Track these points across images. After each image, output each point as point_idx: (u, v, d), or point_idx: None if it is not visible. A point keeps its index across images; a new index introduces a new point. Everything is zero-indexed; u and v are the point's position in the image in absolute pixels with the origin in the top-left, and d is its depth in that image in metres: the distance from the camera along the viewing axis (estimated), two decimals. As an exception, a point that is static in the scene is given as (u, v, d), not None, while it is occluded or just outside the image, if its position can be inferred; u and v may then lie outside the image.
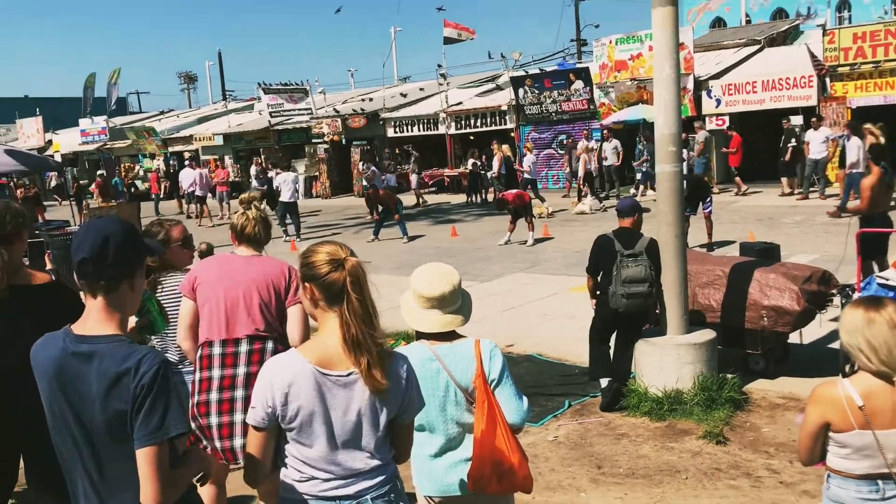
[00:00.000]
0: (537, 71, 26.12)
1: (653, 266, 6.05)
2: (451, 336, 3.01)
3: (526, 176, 20.77)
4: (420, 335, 3.04)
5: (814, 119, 18.97)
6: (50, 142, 44.10)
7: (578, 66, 25.61)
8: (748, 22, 38.48)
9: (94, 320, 2.32)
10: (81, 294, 2.49)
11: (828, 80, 20.25)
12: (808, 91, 20.26)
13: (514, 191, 15.72)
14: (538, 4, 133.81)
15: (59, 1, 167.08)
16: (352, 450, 2.44)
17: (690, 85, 21.69)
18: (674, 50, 5.94)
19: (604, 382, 6.30)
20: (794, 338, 7.18)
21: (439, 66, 28.88)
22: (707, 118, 21.80)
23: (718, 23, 48.07)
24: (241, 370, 3.71)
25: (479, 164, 23.32)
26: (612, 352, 6.50)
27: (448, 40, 27.83)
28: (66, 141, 43.44)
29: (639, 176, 20.71)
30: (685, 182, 13.07)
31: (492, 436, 2.88)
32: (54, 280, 3.31)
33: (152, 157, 37.26)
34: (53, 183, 39.08)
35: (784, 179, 19.40)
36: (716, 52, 24.85)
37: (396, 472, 2.60)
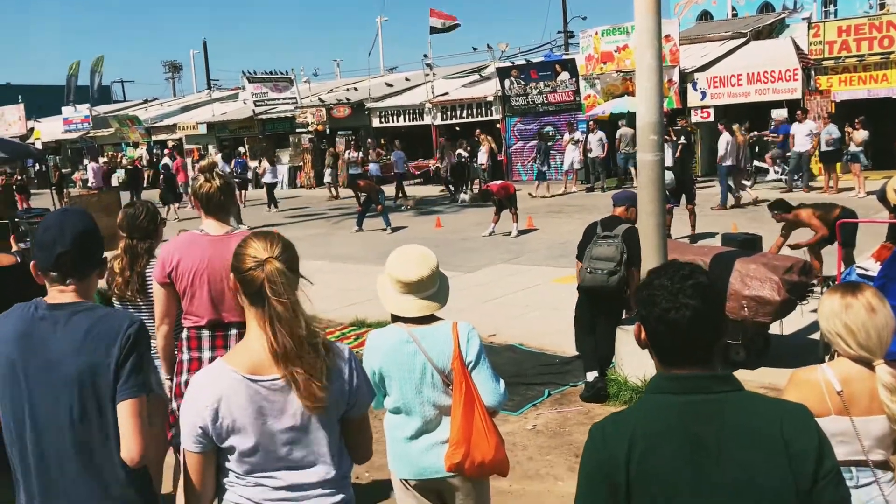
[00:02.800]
0: (524, 62, 26.04)
1: (626, 250, 6.07)
2: (428, 319, 2.97)
3: (396, 171, 23.20)
4: (396, 318, 3.00)
5: (799, 112, 19.02)
6: (32, 129, 43.70)
7: (565, 57, 25.55)
8: (734, 15, 38.55)
9: (63, 297, 2.35)
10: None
11: (812, 73, 20.31)
12: (792, 84, 20.31)
13: (498, 182, 15.69)
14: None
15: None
16: (302, 460, 2.23)
17: (676, 77, 21.73)
18: (656, 38, 5.91)
19: (590, 376, 6.27)
20: (775, 328, 7.19)
21: (425, 55, 28.81)
22: (692, 111, 21.84)
23: (705, 16, 48.14)
24: None
25: (465, 154, 23.23)
26: None
27: (434, 30, 27.74)
28: (49, 129, 43.08)
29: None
30: (676, 177, 13.16)
31: (469, 418, 2.85)
32: (19, 262, 3.25)
33: (135, 145, 36.98)
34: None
35: None
36: (701, 45, 24.87)
37: (353, 497, 2.38)
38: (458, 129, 27.47)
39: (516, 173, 25.46)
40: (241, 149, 30.89)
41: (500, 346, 7.91)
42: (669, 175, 12.90)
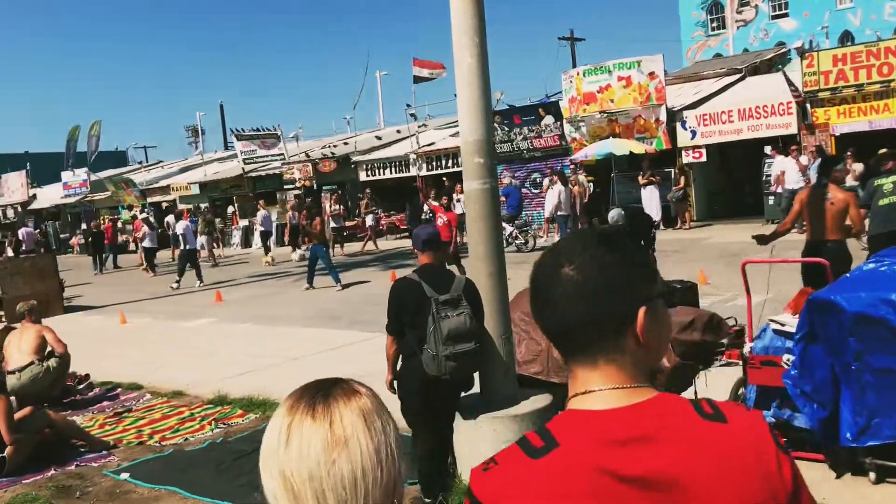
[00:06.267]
0: (506, 107, 24.88)
1: (474, 313, 4.56)
2: None
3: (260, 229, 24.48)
4: None
5: (793, 148, 17.56)
6: (34, 196, 43.46)
7: (547, 100, 24.32)
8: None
9: None
10: None
11: (808, 106, 18.83)
12: (787, 119, 18.83)
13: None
14: (537, 46, 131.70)
15: (54, 54, 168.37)
16: None
17: (663, 116, 20.38)
18: (476, 33, 4.56)
19: (428, 501, 4.63)
20: (687, 400, 5.68)
21: (408, 105, 27.83)
22: (683, 151, 20.41)
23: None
24: None
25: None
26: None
27: (418, 79, 26.75)
28: (49, 195, 42.84)
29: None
30: (629, 216, 11.68)
31: None
32: None
33: (130, 208, 36.36)
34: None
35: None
36: (695, 83, 23.54)
37: None
38: (444, 179, 26.29)
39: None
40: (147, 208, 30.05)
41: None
42: (618, 211, 11.48)
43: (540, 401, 4.72)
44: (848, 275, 4.81)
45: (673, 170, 20.43)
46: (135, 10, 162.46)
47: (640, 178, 19.58)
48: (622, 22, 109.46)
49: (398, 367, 4.73)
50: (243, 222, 31.33)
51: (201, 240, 23.48)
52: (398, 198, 27.69)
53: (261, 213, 24.35)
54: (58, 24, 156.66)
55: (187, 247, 18.41)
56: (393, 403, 4.80)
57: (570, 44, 48.12)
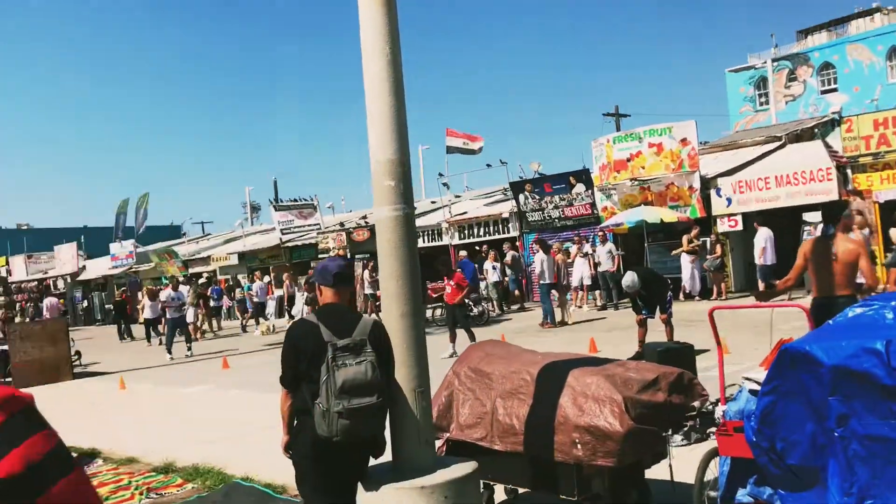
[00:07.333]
0: (537, 175, 24.38)
1: (380, 362, 3.87)
2: None
3: (255, 299, 25.30)
4: None
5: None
6: (84, 267, 44.24)
7: (578, 168, 23.74)
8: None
9: None
10: None
11: (849, 172, 17.88)
12: (826, 185, 17.86)
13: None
14: (580, 123, 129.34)
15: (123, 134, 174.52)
16: None
17: (697, 184, 19.62)
18: (387, 40, 4.01)
19: None
20: (659, 472, 4.87)
21: (441, 174, 27.57)
22: (718, 219, 19.53)
23: (767, 133, 46.03)
24: None
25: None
26: None
27: (451, 150, 26.54)
28: (99, 266, 43.58)
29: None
30: (643, 279, 10.89)
31: None
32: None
33: (173, 278, 36.60)
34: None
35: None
36: (733, 151, 22.75)
37: None
38: (477, 248, 25.76)
39: (536, 293, 23.32)
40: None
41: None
42: (632, 276, 10.72)
43: (459, 469, 3.97)
44: (830, 322, 4.02)
45: (709, 238, 19.54)
46: (195, 90, 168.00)
47: (685, 241, 18.73)
48: (670, 98, 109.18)
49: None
50: (278, 292, 31.18)
51: (190, 311, 22.93)
52: (430, 266, 27.17)
53: (256, 283, 25.68)
54: (124, 101, 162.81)
55: (175, 316, 18.80)
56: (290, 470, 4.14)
57: (615, 119, 47.70)
